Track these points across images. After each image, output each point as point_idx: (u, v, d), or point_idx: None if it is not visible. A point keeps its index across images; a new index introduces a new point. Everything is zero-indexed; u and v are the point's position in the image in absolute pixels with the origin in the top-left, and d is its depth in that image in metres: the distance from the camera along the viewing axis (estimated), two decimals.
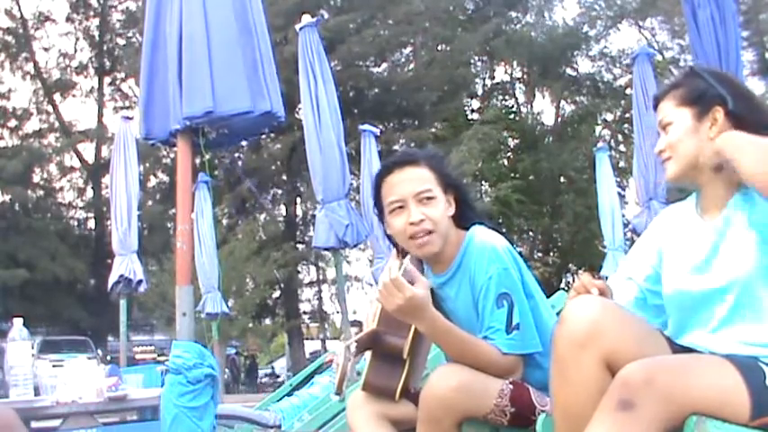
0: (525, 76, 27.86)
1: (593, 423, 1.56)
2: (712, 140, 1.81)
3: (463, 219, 2.28)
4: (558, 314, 2.11)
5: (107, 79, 27.78)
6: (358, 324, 5.85)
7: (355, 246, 7.10)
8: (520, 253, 2.27)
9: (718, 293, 1.77)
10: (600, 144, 11.40)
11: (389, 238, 2.35)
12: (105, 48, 27.34)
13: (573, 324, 1.66)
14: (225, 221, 21.10)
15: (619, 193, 12.38)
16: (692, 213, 1.93)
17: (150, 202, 23.67)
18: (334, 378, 2.15)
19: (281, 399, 5.96)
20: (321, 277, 24.00)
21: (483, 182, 23.36)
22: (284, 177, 22.51)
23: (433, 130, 22.84)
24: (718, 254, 1.80)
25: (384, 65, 24.34)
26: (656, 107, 1.96)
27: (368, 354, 2.27)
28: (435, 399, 2.03)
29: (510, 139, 26.91)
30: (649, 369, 1.55)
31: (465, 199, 2.30)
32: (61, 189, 27.59)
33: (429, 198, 2.19)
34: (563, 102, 27.57)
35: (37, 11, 27.38)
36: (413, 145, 20.56)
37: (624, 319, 1.71)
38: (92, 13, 27.63)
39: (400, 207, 2.20)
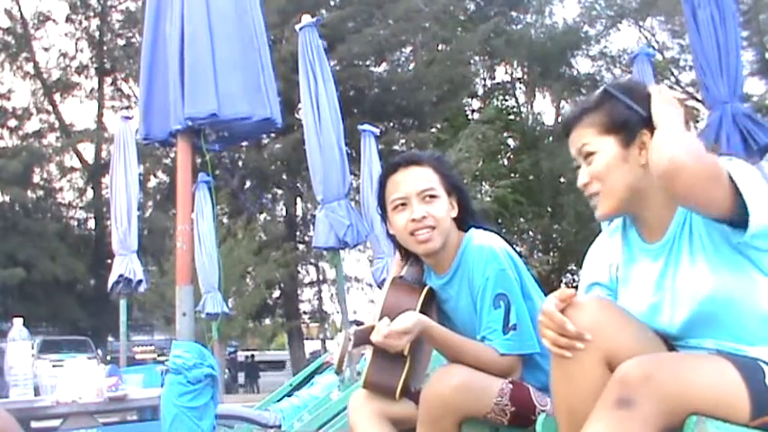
0: (525, 76, 27.87)
1: (592, 421, 1.55)
2: (644, 167, 1.69)
3: (463, 222, 2.30)
4: None
5: (107, 79, 27.78)
6: (359, 324, 5.84)
7: (355, 246, 7.09)
8: (519, 253, 2.29)
9: (689, 326, 1.70)
10: None
11: (391, 238, 2.37)
12: (105, 48, 27.32)
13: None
14: (225, 221, 21.11)
15: None
16: (634, 237, 1.83)
17: (150, 203, 23.68)
18: (334, 360, 2.19)
19: (281, 399, 5.96)
20: (321, 277, 24.01)
21: (483, 182, 23.37)
22: (284, 177, 22.52)
23: (434, 130, 22.85)
24: (672, 285, 1.72)
25: (384, 64, 24.34)
26: (567, 134, 1.82)
27: (369, 352, 2.28)
28: (436, 398, 2.03)
29: (510, 140, 26.92)
30: (647, 366, 1.54)
31: (466, 202, 2.32)
32: (61, 189, 27.62)
33: (432, 196, 2.22)
34: (563, 102, 27.58)
35: (37, 11, 27.40)
36: (413, 145, 20.56)
37: (623, 319, 1.70)
38: (92, 14, 27.60)
39: (403, 204, 2.23)
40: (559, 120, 27.32)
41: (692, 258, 1.70)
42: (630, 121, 1.73)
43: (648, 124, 1.70)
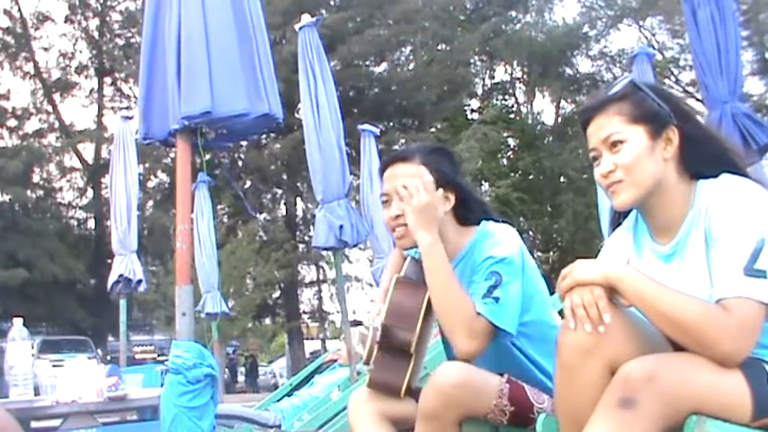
0: (525, 76, 27.88)
1: (594, 420, 1.55)
2: (667, 161, 1.73)
3: (466, 216, 2.29)
4: (559, 313, 2.10)
5: (107, 79, 27.78)
6: (358, 324, 5.85)
7: (355, 246, 7.09)
8: None
9: None
10: None
11: None
12: (105, 48, 27.31)
13: (578, 331, 1.63)
14: (225, 221, 21.11)
15: None
16: (644, 236, 1.84)
17: (150, 203, 23.67)
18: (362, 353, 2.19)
19: (281, 399, 5.95)
20: (321, 277, 24.02)
21: (483, 181, 23.36)
22: (284, 177, 22.53)
23: (433, 129, 22.86)
24: (679, 285, 1.70)
25: (384, 64, 24.36)
26: (587, 121, 1.80)
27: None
28: (436, 395, 2.03)
29: (510, 139, 26.94)
30: (650, 366, 1.53)
31: (465, 196, 2.31)
32: (61, 189, 27.61)
33: None
34: (563, 101, 27.59)
35: (36, 11, 27.40)
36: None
37: (631, 326, 1.64)
38: (91, 14, 27.60)
39: (386, 201, 2.29)
40: (559, 119, 27.36)
41: (699, 263, 1.68)
42: (660, 114, 1.74)
43: (674, 123, 1.74)
